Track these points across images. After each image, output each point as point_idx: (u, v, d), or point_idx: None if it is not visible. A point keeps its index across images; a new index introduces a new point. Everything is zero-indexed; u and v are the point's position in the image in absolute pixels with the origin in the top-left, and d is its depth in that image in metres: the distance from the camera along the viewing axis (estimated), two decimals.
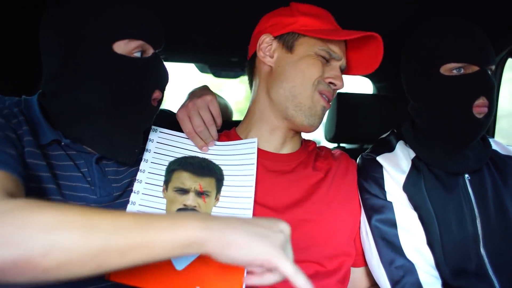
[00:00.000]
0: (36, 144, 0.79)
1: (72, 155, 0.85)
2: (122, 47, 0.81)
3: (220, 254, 0.55)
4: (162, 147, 0.96)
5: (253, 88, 1.07)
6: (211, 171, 0.95)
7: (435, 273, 0.98)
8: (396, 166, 1.06)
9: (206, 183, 0.93)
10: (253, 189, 0.92)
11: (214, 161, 0.96)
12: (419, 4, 1.23)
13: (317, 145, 1.13)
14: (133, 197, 0.88)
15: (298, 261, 0.60)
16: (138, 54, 0.84)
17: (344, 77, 1.02)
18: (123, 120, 0.85)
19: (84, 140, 0.85)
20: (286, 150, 1.03)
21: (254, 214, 0.92)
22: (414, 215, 1.01)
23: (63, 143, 0.83)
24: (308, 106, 0.96)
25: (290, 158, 1.02)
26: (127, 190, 0.91)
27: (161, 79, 0.89)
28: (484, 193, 1.02)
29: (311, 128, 0.98)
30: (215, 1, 1.23)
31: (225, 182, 0.94)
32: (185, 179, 0.92)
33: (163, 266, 0.76)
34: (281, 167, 1.00)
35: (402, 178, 1.04)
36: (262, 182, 0.96)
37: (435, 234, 0.99)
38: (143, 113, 0.88)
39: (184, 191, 0.90)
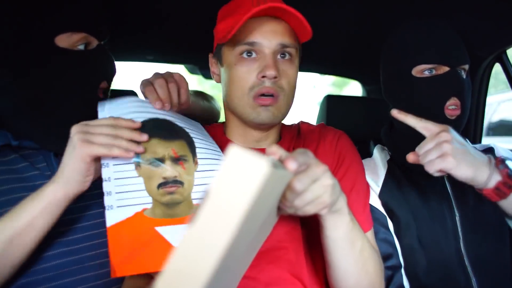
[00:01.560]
0: None
1: (26, 155, 0.83)
2: (65, 40, 0.80)
3: None
4: None
5: None
6: (178, 134, 0.84)
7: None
8: (373, 174, 1.08)
9: (178, 147, 0.82)
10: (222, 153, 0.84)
11: (177, 123, 0.86)
12: (407, 9, 1.24)
13: (299, 126, 1.08)
14: (106, 186, 0.76)
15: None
16: (81, 47, 0.82)
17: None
18: (70, 115, 0.83)
19: (34, 137, 0.84)
20: (265, 144, 0.99)
21: None
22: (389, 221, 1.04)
23: (13, 145, 0.82)
24: (248, 112, 0.91)
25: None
26: (93, 184, 0.87)
27: (107, 71, 0.88)
28: (463, 190, 1.03)
29: (265, 124, 0.92)
30: (205, 1, 1.23)
31: (196, 144, 0.85)
32: (156, 146, 0.79)
33: (160, 247, 0.75)
34: None
35: (378, 186, 1.06)
36: None
37: (413, 236, 1.00)
38: (90, 105, 0.85)
39: (159, 161, 0.79)
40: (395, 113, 0.86)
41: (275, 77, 0.87)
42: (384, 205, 1.04)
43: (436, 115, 0.97)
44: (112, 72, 0.89)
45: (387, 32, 1.10)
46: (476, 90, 1.44)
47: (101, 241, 0.87)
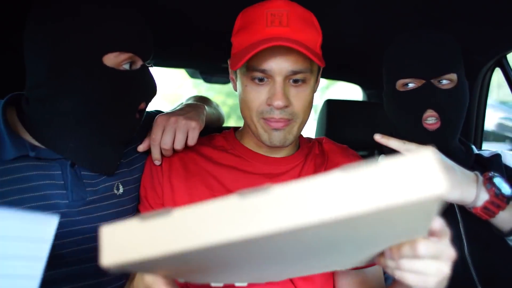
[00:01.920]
0: None
1: (42, 166, 0.83)
2: (112, 59, 0.80)
3: None
4: None
5: None
6: None
7: None
8: None
9: None
10: None
11: None
12: (405, 15, 1.24)
13: (320, 141, 1.07)
14: None
15: None
16: (126, 66, 0.83)
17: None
18: (106, 132, 0.84)
19: (65, 150, 0.83)
20: (279, 154, 0.98)
21: None
22: None
23: (30, 156, 0.81)
24: (260, 133, 0.91)
25: (284, 162, 0.98)
26: (103, 195, 0.89)
27: (148, 92, 0.88)
28: None
29: (277, 147, 0.93)
30: (207, 6, 1.23)
31: None
32: None
33: None
34: (273, 170, 0.96)
35: None
36: (247, 184, 0.93)
37: None
38: (127, 126, 0.87)
39: None
40: (378, 138, 0.84)
41: (285, 106, 0.85)
42: None
43: (415, 129, 0.99)
44: (152, 93, 0.90)
45: (385, 39, 1.11)
46: (477, 95, 1.45)
47: (92, 264, 0.86)
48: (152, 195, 0.96)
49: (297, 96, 0.87)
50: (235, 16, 0.94)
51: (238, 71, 0.92)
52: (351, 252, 0.52)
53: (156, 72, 2.10)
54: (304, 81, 0.87)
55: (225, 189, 0.93)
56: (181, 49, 1.71)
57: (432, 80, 0.99)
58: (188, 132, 0.95)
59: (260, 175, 0.95)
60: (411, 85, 1.01)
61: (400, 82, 1.02)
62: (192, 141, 0.94)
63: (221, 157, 0.97)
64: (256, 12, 0.87)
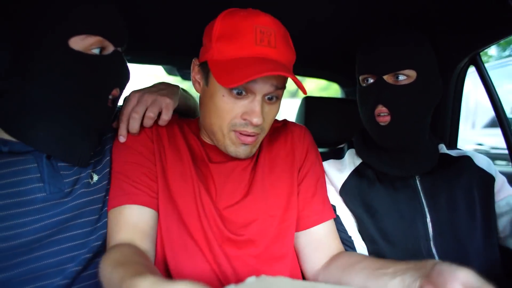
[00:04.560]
0: None
1: (14, 162, 0.80)
2: (79, 43, 0.77)
3: None
4: None
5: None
6: None
7: None
8: (337, 171, 1.11)
9: None
10: None
11: None
12: (383, 13, 1.25)
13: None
14: None
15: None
16: (96, 51, 0.80)
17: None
18: (77, 120, 0.82)
19: (35, 141, 0.81)
20: None
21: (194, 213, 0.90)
22: (351, 217, 1.08)
23: (2, 151, 0.79)
24: (226, 144, 0.90)
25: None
26: (80, 185, 0.87)
27: (120, 78, 0.86)
28: (436, 193, 1.06)
29: (239, 157, 0.92)
30: (183, 1, 1.21)
31: None
32: None
33: None
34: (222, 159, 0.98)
35: (339, 184, 1.09)
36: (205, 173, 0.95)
37: (367, 229, 1.05)
38: (99, 114, 0.84)
39: None
40: None
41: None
42: (345, 202, 1.09)
43: (370, 122, 1.04)
44: (125, 79, 0.87)
45: (363, 37, 1.12)
46: (452, 92, 1.47)
47: (69, 255, 0.85)
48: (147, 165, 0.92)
49: (269, 112, 0.89)
50: (214, 13, 0.91)
51: (212, 80, 0.88)
52: None
53: (137, 69, 2.07)
54: (277, 97, 0.89)
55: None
56: (158, 46, 1.68)
57: (385, 76, 1.01)
58: (162, 109, 0.93)
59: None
60: (370, 81, 1.04)
61: (361, 77, 1.06)
62: (166, 116, 0.94)
63: (193, 142, 0.99)
64: (244, 24, 0.84)
